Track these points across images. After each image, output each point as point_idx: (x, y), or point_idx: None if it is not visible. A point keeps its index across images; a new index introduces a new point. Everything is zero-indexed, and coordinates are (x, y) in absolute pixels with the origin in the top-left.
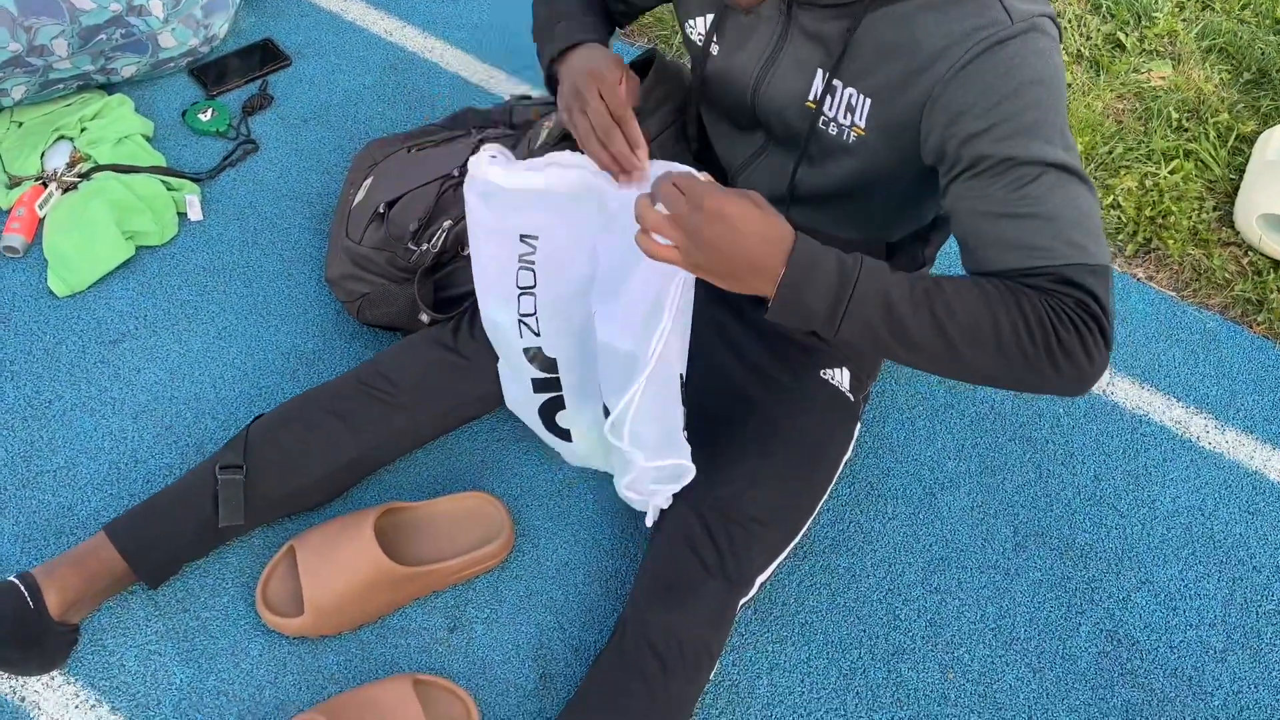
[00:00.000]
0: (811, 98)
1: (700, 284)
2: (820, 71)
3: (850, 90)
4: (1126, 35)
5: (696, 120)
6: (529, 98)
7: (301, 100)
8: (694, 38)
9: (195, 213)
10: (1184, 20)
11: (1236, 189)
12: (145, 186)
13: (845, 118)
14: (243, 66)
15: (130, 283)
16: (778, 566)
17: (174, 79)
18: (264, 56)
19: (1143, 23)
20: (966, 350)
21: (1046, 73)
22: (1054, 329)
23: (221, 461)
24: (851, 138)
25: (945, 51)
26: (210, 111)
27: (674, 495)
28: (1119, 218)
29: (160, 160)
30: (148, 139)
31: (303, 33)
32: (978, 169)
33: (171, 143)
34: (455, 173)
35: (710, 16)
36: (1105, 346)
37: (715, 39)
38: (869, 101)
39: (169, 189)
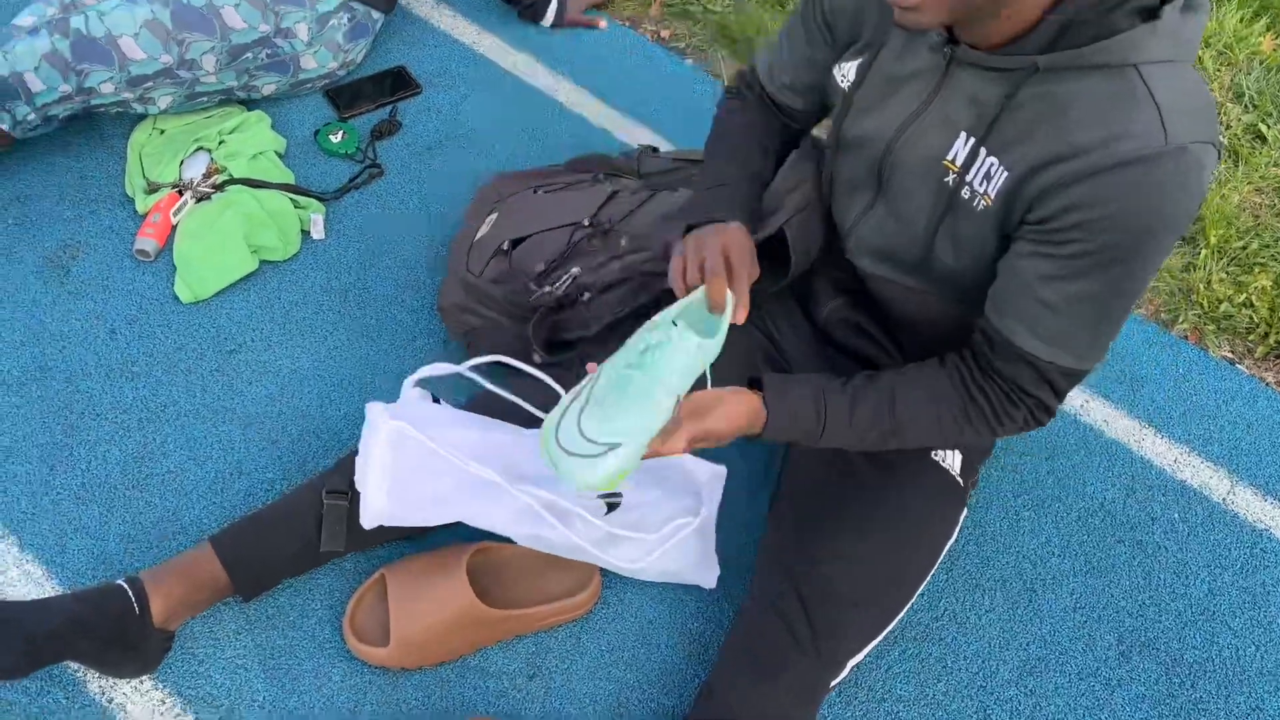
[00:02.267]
0: (951, 158)
1: (818, 348)
2: (965, 135)
3: (992, 160)
4: (1269, 127)
5: (830, 176)
6: (656, 150)
7: (429, 129)
8: (839, 82)
9: (318, 231)
10: None
11: None
12: (274, 202)
13: (981, 186)
14: (375, 91)
15: (251, 295)
16: (871, 649)
17: (309, 99)
18: (396, 83)
19: None
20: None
21: (1175, 206)
22: (1000, 420)
23: (329, 486)
24: (981, 206)
25: (1089, 150)
26: (341, 133)
27: (770, 564)
28: (1250, 317)
29: (290, 177)
30: (280, 156)
31: (436, 62)
32: (1053, 246)
33: (301, 161)
34: (586, 222)
35: (856, 66)
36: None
37: (860, 87)
38: (1005, 175)
39: (296, 206)
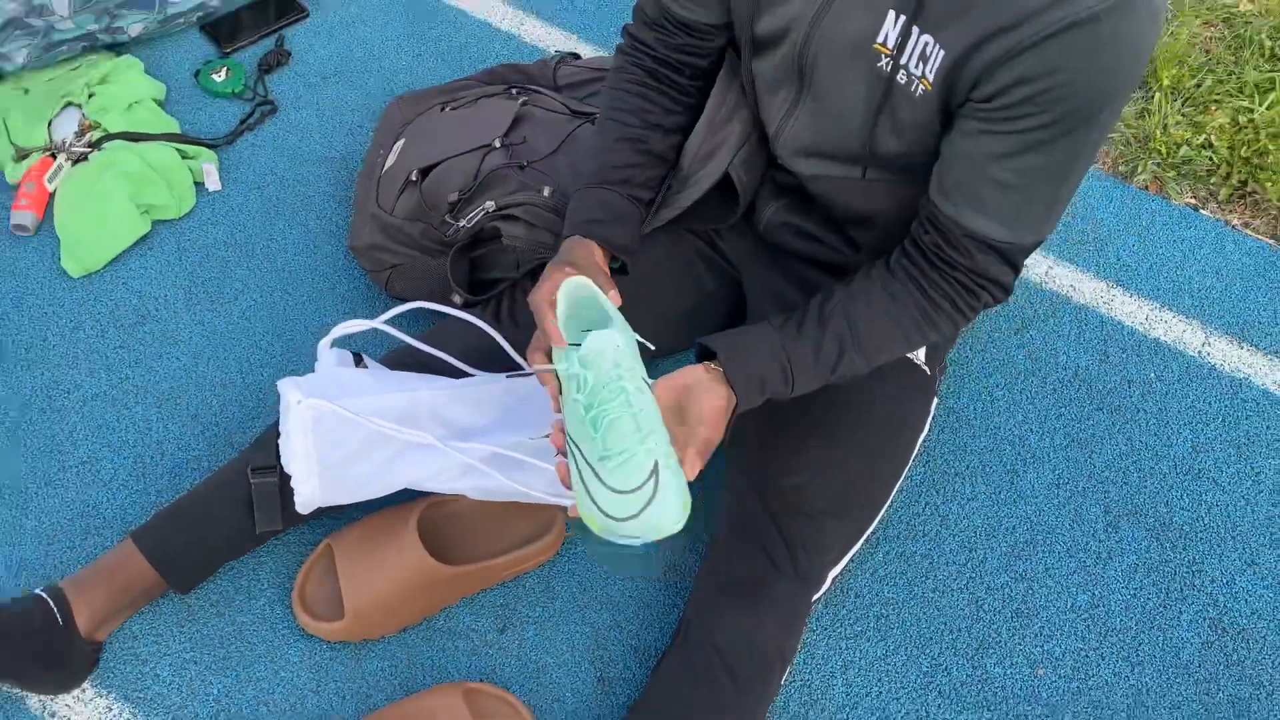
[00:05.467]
0: (881, 40)
1: (765, 251)
2: (893, 13)
3: (927, 38)
4: None
5: (750, 80)
6: (576, 56)
7: (321, 55)
8: None
9: (213, 182)
10: None
11: None
12: (159, 155)
13: (917, 68)
14: (257, 20)
15: (148, 260)
16: (851, 558)
17: (185, 36)
18: (279, 8)
19: None
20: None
21: (1129, 63)
22: (960, 312)
23: (254, 463)
24: (919, 91)
25: (1035, 14)
26: (224, 71)
27: (737, 482)
28: (1211, 158)
29: (174, 126)
30: (159, 103)
31: None
32: (1006, 123)
33: (185, 106)
34: (497, 143)
35: None
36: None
37: None
38: (942, 53)
39: (184, 157)
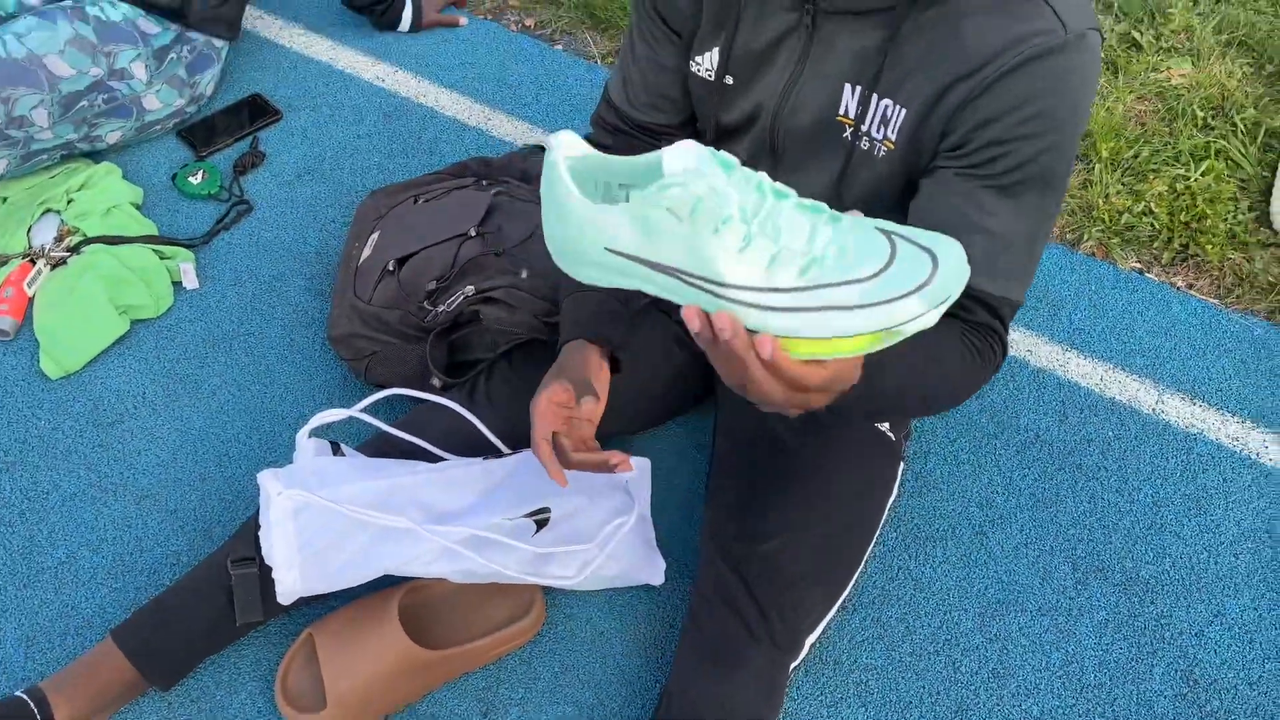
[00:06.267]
0: (842, 113)
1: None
2: (850, 86)
3: (886, 102)
4: (1141, 34)
5: None
6: (543, 149)
7: (294, 155)
8: (703, 75)
9: (190, 281)
10: (1199, 14)
11: (1271, 187)
12: (137, 257)
13: (879, 132)
14: (232, 124)
15: (126, 359)
16: (827, 624)
17: (162, 142)
18: (253, 112)
19: (1157, 20)
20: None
21: (1086, 94)
22: (989, 370)
23: (233, 554)
24: (882, 152)
25: (994, 56)
26: (201, 173)
27: (711, 551)
28: (1152, 224)
29: (152, 228)
30: (137, 207)
31: (293, 85)
32: (980, 169)
33: (163, 209)
34: (473, 232)
35: (717, 50)
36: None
37: (727, 71)
38: (904, 112)
39: (162, 257)
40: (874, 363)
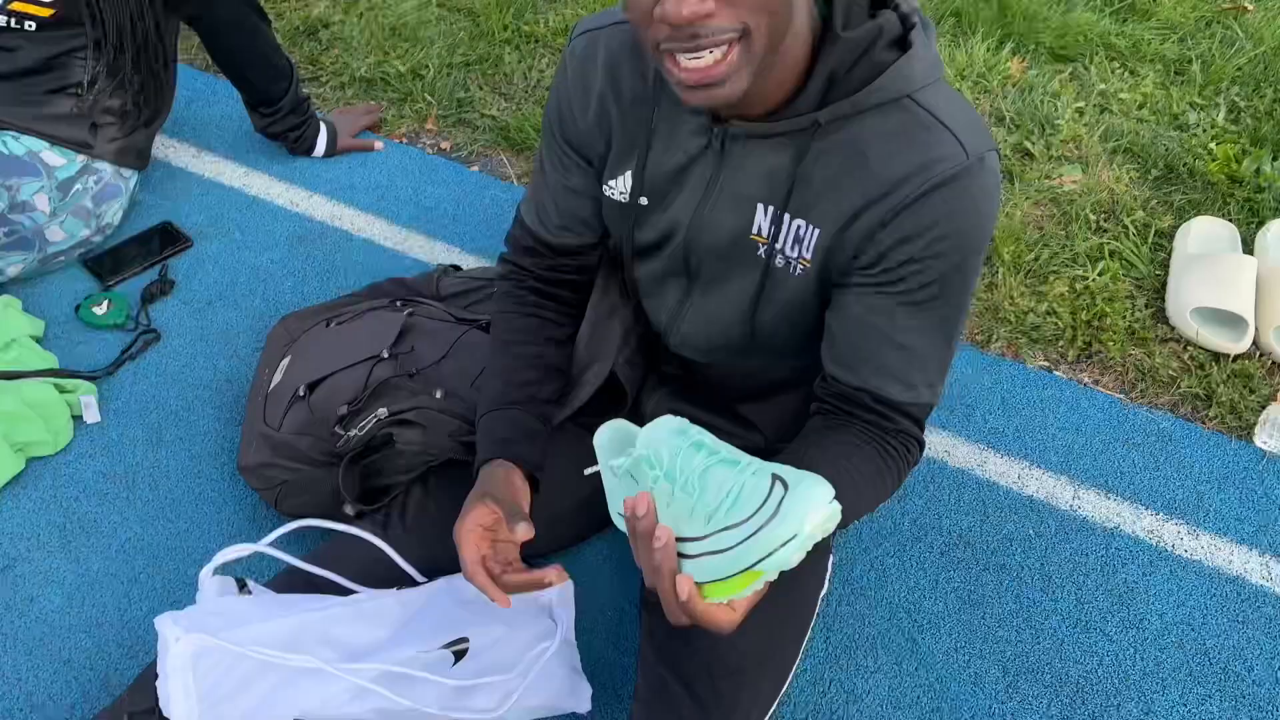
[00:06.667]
0: (755, 232)
1: (665, 398)
2: (762, 206)
3: (799, 222)
4: (1033, 144)
5: (633, 283)
6: (457, 268)
7: (205, 282)
8: (616, 197)
9: (92, 414)
10: (1085, 125)
11: (1164, 284)
12: (35, 392)
13: (793, 250)
14: (141, 253)
15: (21, 500)
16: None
17: (66, 272)
18: (163, 240)
19: (1047, 130)
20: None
21: (989, 212)
22: (904, 473)
23: (131, 707)
24: (798, 270)
25: (903, 182)
26: (106, 303)
27: (649, 653)
28: (1056, 323)
29: (52, 361)
30: (38, 339)
31: (205, 211)
32: (893, 287)
33: (65, 341)
34: (385, 354)
35: (630, 173)
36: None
37: (642, 193)
38: (818, 232)
39: (63, 391)
40: None
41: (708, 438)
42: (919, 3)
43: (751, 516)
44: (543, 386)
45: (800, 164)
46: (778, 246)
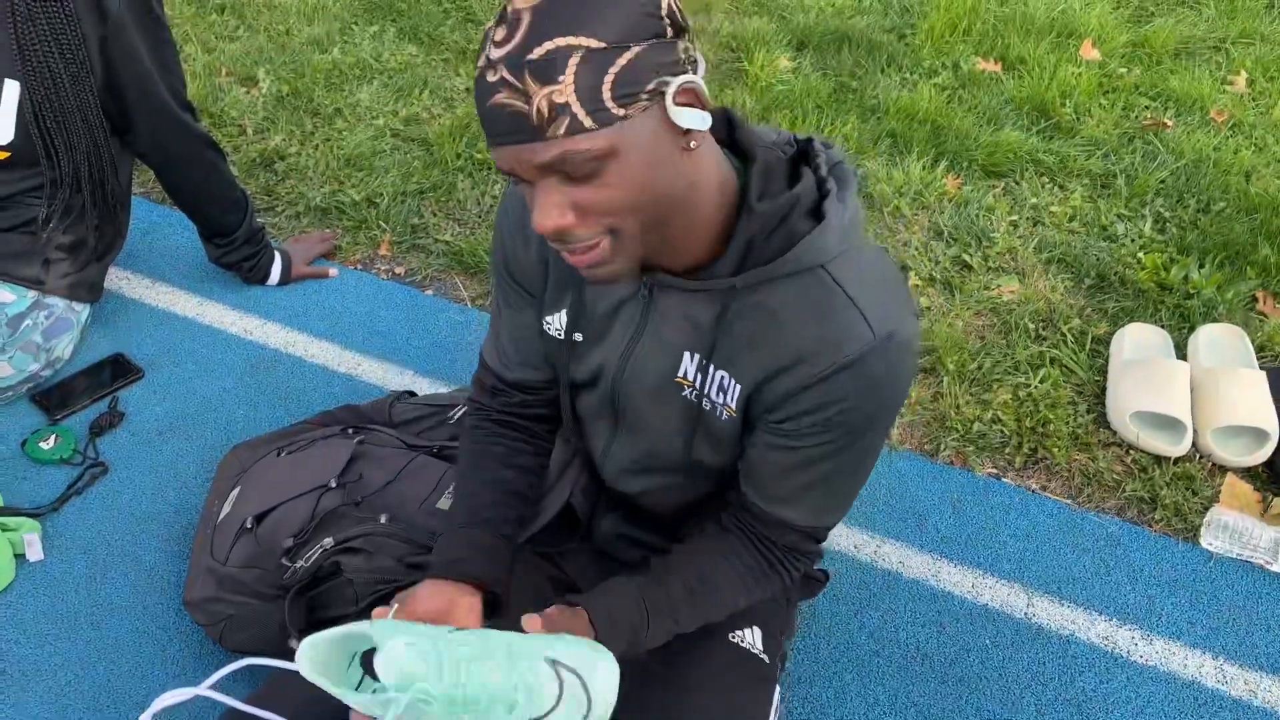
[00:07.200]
0: (682, 375)
1: (602, 564)
2: (689, 353)
3: (723, 373)
4: (971, 256)
5: (571, 413)
6: (412, 394)
7: (156, 413)
8: (552, 333)
9: (35, 553)
10: (1020, 237)
11: (1103, 390)
12: None
13: (719, 397)
14: (90, 385)
15: None
16: None
17: (13, 406)
18: (114, 371)
19: (983, 243)
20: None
21: (899, 385)
22: (788, 573)
23: None
24: (724, 416)
25: (812, 358)
26: (54, 438)
27: None
28: (1001, 431)
29: None
30: None
31: (157, 342)
32: (803, 441)
33: (8, 477)
34: (333, 483)
35: (565, 312)
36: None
37: (576, 329)
38: (738, 386)
39: (4, 529)
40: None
41: (460, 648)
42: (853, 129)
43: (555, 707)
44: (505, 509)
45: (722, 319)
46: (705, 392)
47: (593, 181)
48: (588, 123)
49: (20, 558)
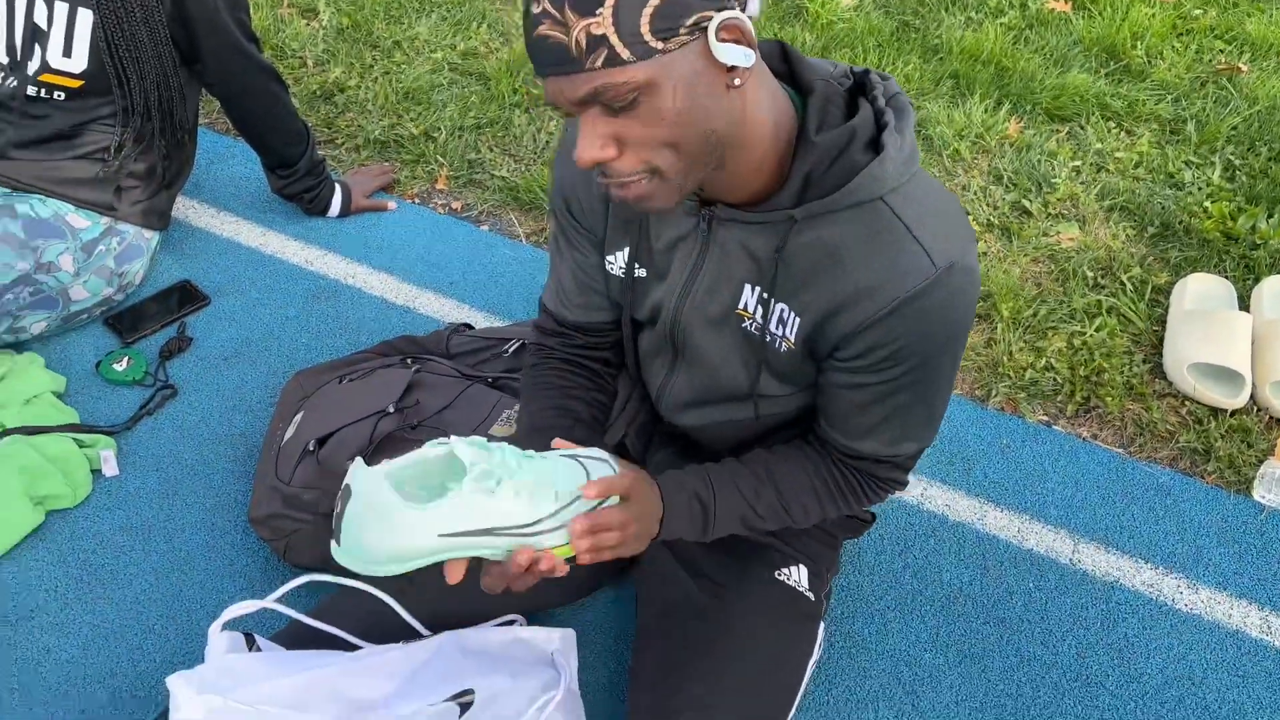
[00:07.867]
0: (742, 307)
1: (667, 459)
2: (750, 286)
3: (783, 305)
4: (1030, 202)
5: (634, 354)
6: (469, 326)
7: (222, 339)
8: (615, 272)
9: (111, 468)
10: (1082, 183)
11: (1161, 340)
12: (55, 446)
13: (778, 329)
14: (160, 310)
15: (40, 552)
16: None
17: (88, 329)
18: (182, 298)
19: (1044, 189)
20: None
21: (963, 314)
22: (865, 497)
23: None
24: (784, 349)
25: (873, 292)
26: (126, 360)
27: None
28: (1054, 379)
29: (73, 416)
30: (60, 395)
31: (222, 270)
32: (873, 374)
33: (85, 396)
34: (391, 408)
35: (627, 250)
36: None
37: (637, 268)
38: (799, 320)
39: (82, 445)
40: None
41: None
42: (914, 70)
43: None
44: (570, 432)
45: (782, 253)
46: (767, 325)
47: (633, 114)
48: (625, 55)
49: (97, 473)
